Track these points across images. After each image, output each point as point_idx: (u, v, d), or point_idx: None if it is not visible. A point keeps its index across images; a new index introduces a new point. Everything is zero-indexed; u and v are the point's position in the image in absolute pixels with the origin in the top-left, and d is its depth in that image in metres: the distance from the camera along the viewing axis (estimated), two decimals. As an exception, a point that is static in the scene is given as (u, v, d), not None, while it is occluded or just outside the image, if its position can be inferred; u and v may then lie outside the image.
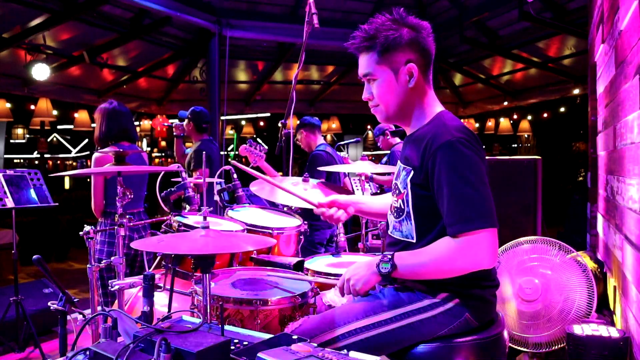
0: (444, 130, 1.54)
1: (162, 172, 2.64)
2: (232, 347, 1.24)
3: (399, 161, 1.73)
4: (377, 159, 11.31)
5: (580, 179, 10.33)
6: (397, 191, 1.68)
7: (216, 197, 2.93)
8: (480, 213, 1.45)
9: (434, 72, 1.70)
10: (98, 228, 3.06)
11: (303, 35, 2.65)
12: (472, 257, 1.46)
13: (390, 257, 1.55)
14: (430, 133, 1.56)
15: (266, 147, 3.49)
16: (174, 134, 4.43)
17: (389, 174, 4.93)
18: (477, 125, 12.31)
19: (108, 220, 3.12)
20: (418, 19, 1.63)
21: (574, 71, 7.74)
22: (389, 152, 5.12)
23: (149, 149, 14.94)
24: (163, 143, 15.27)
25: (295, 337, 1.26)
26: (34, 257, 1.67)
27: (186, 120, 4.33)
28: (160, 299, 2.24)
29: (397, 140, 5.15)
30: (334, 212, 1.91)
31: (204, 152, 2.28)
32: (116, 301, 2.08)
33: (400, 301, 1.62)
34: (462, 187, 1.46)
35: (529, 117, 12.09)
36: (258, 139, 12.99)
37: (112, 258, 2.10)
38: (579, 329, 2.45)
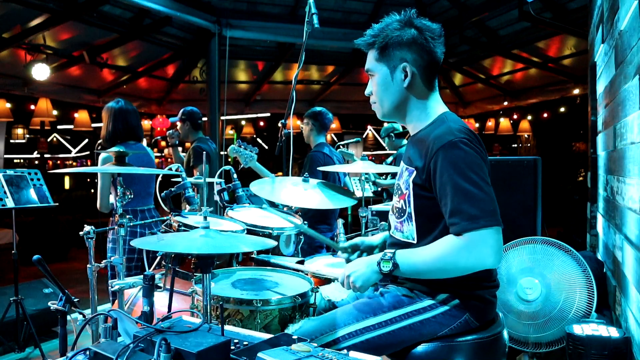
0: (446, 131, 1.53)
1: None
2: (232, 347, 1.24)
3: (402, 162, 1.73)
4: (377, 159, 11.30)
5: (580, 179, 10.32)
6: (400, 191, 1.68)
7: (216, 197, 2.92)
8: (485, 211, 1.44)
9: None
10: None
11: (303, 35, 2.65)
12: (477, 255, 1.43)
13: (391, 255, 1.54)
14: (432, 134, 1.56)
15: (256, 148, 3.40)
16: (169, 144, 4.39)
17: (390, 174, 4.93)
18: (477, 125, 12.29)
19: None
20: (428, 22, 1.63)
21: (574, 71, 7.74)
22: (395, 152, 5.13)
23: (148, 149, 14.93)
24: (163, 143, 15.27)
25: (295, 337, 1.26)
26: (34, 257, 1.67)
27: (180, 123, 4.29)
28: (160, 299, 2.24)
29: (404, 142, 5.14)
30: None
31: (204, 152, 2.27)
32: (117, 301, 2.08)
33: (400, 302, 1.62)
34: (466, 186, 1.45)
35: (529, 117, 12.07)
36: (258, 138, 12.93)
37: (112, 258, 2.10)
38: (579, 329, 2.45)
